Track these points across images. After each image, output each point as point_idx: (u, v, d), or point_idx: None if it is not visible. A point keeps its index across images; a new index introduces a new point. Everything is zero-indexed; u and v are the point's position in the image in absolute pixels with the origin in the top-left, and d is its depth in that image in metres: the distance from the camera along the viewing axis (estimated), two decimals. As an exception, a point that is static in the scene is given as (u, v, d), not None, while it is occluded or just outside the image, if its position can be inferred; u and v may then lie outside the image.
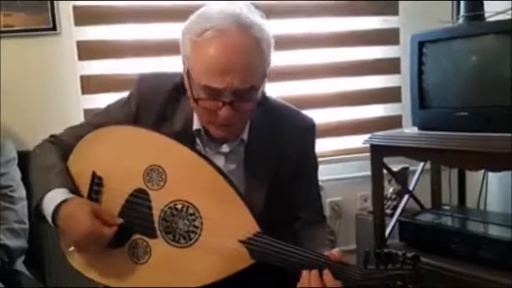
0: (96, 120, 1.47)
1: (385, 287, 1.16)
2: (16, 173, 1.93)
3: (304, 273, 1.21)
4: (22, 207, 1.86)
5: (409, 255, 1.17)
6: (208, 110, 1.29)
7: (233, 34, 1.22)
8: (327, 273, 1.18)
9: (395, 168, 2.49)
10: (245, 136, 1.42)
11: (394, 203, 2.57)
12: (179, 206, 1.31)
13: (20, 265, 1.87)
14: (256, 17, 1.28)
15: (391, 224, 2.33)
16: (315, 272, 1.19)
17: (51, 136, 1.49)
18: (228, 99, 1.25)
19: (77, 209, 1.28)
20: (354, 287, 1.20)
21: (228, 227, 1.27)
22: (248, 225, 1.27)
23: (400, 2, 2.80)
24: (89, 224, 1.25)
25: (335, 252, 1.22)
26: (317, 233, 1.45)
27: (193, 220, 1.30)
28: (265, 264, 1.25)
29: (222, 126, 1.31)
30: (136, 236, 1.33)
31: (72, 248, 1.33)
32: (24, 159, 1.99)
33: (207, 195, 1.30)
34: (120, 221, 1.31)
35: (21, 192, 1.90)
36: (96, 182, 1.37)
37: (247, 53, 1.24)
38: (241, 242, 1.26)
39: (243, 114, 1.30)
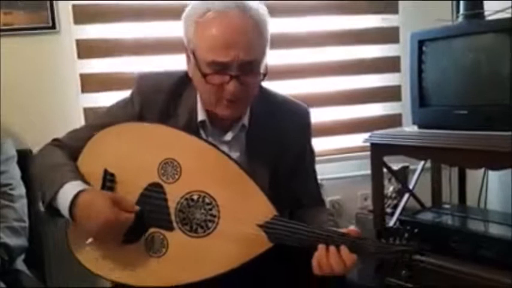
0: (98, 122, 1.47)
1: (394, 259, 1.22)
2: (16, 171, 1.93)
3: (321, 248, 1.23)
4: (22, 205, 1.86)
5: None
6: (216, 87, 1.32)
7: (233, 15, 1.29)
8: (343, 248, 1.22)
9: (395, 166, 2.49)
10: (246, 121, 1.45)
11: (395, 201, 2.57)
12: (195, 197, 1.33)
13: (20, 264, 1.86)
14: (254, 4, 1.34)
15: (391, 222, 2.32)
16: (333, 247, 1.22)
17: (54, 140, 1.49)
18: (234, 72, 1.29)
19: (95, 198, 1.29)
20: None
21: (245, 212, 1.29)
22: (265, 209, 1.30)
23: (399, 0, 2.79)
24: (108, 211, 1.25)
25: (353, 228, 1.27)
26: (320, 214, 1.49)
27: (210, 209, 1.31)
28: (282, 248, 1.28)
29: (229, 104, 1.34)
30: (153, 230, 1.33)
31: (90, 240, 1.33)
32: (23, 157, 2.00)
33: (222, 184, 1.32)
34: (138, 208, 1.32)
35: (20, 190, 1.89)
36: (109, 179, 1.37)
37: (248, 32, 1.30)
38: (259, 226, 1.28)
39: (248, 88, 1.34)
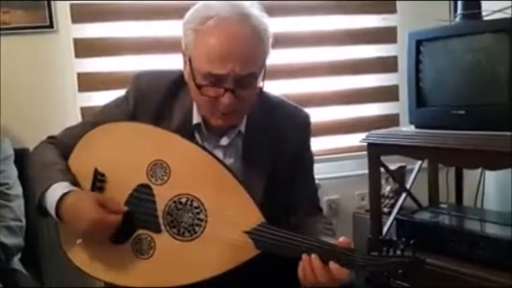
0: (94, 120, 1.47)
1: (387, 273, 1.19)
2: (12, 171, 1.93)
3: (304, 257, 1.21)
4: (18, 204, 1.86)
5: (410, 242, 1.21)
6: (210, 99, 1.30)
7: (234, 23, 1.26)
8: (332, 263, 1.19)
9: (392, 166, 2.49)
10: (242, 128, 1.43)
11: (392, 201, 2.57)
12: (183, 200, 1.32)
13: (16, 263, 1.86)
14: (255, 10, 1.31)
15: (388, 222, 2.33)
16: (315, 256, 1.20)
17: (49, 137, 1.49)
18: (229, 86, 1.27)
19: (81, 199, 1.28)
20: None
21: (233, 218, 1.28)
22: (253, 216, 1.29)
23: (397, 0, 2.80)
24: (94, 212, 1.25)
25: (343, 239, 1.24)
26: (317, 224, 1.45)
27: (198, 213, 1.30)
28: (269, 255, 1.26)
29: (223, 116, 1.33)
30: (140, 231, 1.33)
31: (80, 241, 1.33)
32: (20, 156, 2.00)
33: (211, 188, 1.31)
34: (126, 208, 1.31)
35: (17, 189, 1.89)
36: (99, 179, 1.37)
37: (248, 41, 1.27)
38: (246, 232, 1.27)
39: (243, 102, 1.32)
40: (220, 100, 1.29)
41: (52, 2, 2.32)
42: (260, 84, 1.35)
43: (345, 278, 1.19)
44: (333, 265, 1.19)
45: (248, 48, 1.27)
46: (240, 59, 1.26)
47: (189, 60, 1.32)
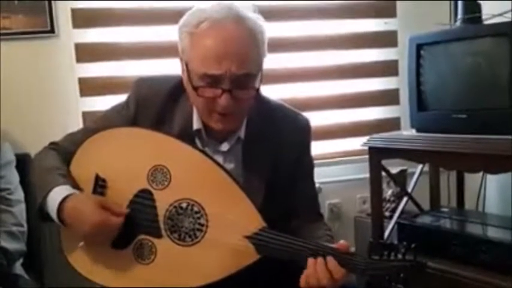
0: (95, 125, 1.47)
1: (388, 277, 1.19)
2: (14, 176, 1.93)
3: (310, 260, 1.22)
4: (20, 210, 1.86)
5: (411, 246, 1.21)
6: (208, 100, 1.30)
7: (228, 24, 1.27)
8: (330, 259, 1.20)
9: (393, 170, 2.49)
10: (242, 134, 1.43)
11: (393, 205, 2.57)
12: (184, 205, 1.32)
13: (18, 268, 1.86)
14: (250, 13, 1.32)
15: (389, 226, 2.33)
16: (320, 259, 1.21)
17: (51, 143, 1.50)
18: (226, 86, 1.27)
19: (82, 202, 1.29)
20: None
21: (234, 223, 1.28)
22: (254, 221, 1.29)
23: (398, 4, 2.80)
24: (96, 214, 1.26)
25: (343, 243, 1.24)
26: (317, 230, 1.45)
27: (199, 218, 1.30)
28: (271, 260, 1.26)
29: (221, 117, 1.33)
30: (141, 237, 1.33)
31: (82, 244, 1.33)
32: (22, 161, 2.00)
33: (212, 193, 1.31)
34: (127, 210, 1.32)
35: (19, 195, 1.89)
36: (100, 184, 1.37)
37: (243, 42, 1.28)
38: (247, 237, 1.27)
39: (241, 103, 1.32)
40: (218, 101, 1.29)
41: (53, 7, 2.33)
42: (257, 86, 1.35)
43: (342, 277, 1.20)
44: (332, 264, 1.20)
45: (243, 49, 1.28)
46: (236, 59, 1.26)
47: (186, 64, 1.33)
